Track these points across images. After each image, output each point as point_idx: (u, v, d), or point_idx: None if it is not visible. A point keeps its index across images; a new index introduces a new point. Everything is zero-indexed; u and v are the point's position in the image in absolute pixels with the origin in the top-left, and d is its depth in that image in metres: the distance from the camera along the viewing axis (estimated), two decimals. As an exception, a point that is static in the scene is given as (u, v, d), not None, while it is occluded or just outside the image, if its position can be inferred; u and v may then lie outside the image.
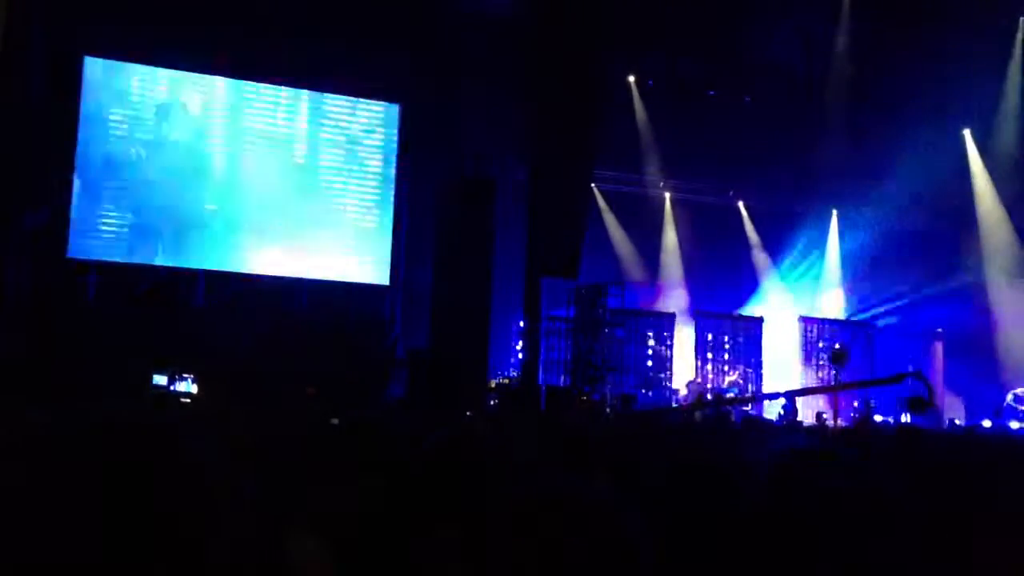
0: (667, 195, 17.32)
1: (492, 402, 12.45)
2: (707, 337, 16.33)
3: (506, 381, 13.56)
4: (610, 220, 16.79)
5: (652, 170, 16.70)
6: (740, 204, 17.73)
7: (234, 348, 10.75)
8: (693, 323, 16.45)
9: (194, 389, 10.54)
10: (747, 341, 16.52)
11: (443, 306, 12.24)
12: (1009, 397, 16.12)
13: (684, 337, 16.39)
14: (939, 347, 17.80)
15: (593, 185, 15.58)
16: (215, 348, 10.78)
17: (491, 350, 12.83)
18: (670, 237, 17.29)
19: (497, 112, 12.74)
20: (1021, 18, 15.09)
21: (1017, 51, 15.42)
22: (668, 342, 16.12)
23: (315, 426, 3.25)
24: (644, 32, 13.97)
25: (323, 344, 11.53)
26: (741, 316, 16.85)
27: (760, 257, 17.69)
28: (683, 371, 16.12)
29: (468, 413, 8.29)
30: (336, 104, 13.53)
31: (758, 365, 16.47)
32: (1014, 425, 15.17)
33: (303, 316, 12.85)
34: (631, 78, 15.96)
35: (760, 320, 16.85)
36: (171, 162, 12.52)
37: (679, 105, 15.66)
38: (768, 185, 16.91)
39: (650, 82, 15.95)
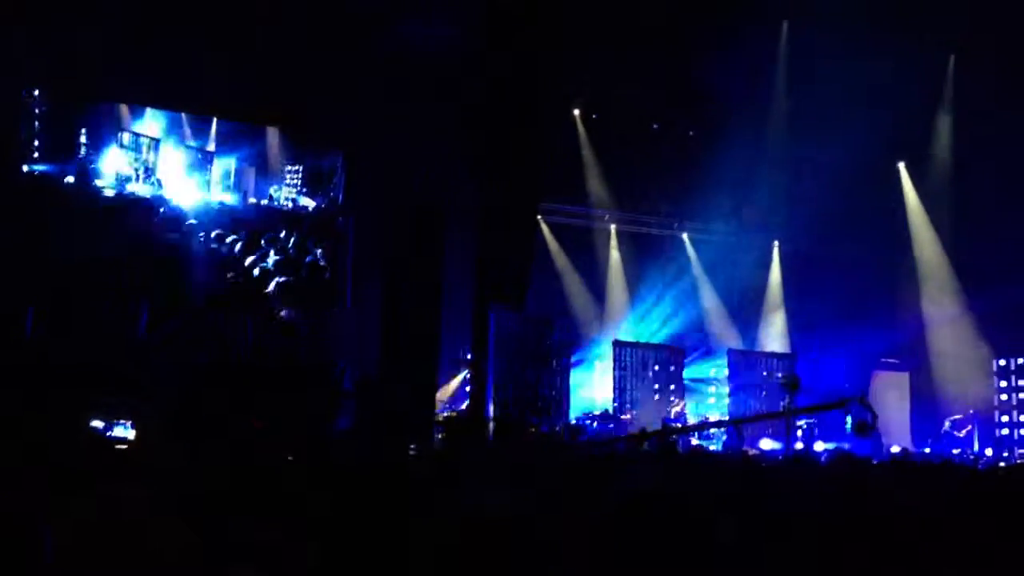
0: (612, 227, 17.47)
1: (439, 435, 12.35)
2: (653, 367, 16.30)
3: (453, 415, 13.48)
4: (556, 251, 16.89)
5: (597, 201, 16.86)
6: (684, 235, 17.96)
7: (177, 382, 10.52)
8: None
9: (131, 434, 10.23)
10: (677, 370, 16.49)
11: (391, 337, 12.16)
12: (947, 424, 16.51)
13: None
14: (880, 375, 18.19)
15: (539, 217, 15.71)
16: (157, 382, 10.54)
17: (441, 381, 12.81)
18: (615, 267, 17.43)
19: (446, 141, 12.77)
20: (951, 56, 15.65)
21: (948, 88, 15.97)
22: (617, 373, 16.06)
23: (263, 459, 3.21)
24: (588, 64, 14.16)
25: (270, 376, 11.38)
26: (667, 347, 16.69)
27: (703, 284, 17.91)
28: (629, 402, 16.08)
29: (412, 447, 8.20)
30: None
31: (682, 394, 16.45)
32: (956, 451, 15.55)
33: (249, 346, 12.66)
34: (576, 111, 16.14)
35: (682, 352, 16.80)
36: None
37: (624, 137, 15.89)
38: (712, 216, 17.18)
39: (594, 115, 16.15)
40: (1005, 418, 17.86)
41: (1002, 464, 14.30)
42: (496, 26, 11.77)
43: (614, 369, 15.75)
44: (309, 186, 13.64)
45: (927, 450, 15.94)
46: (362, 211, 13.46)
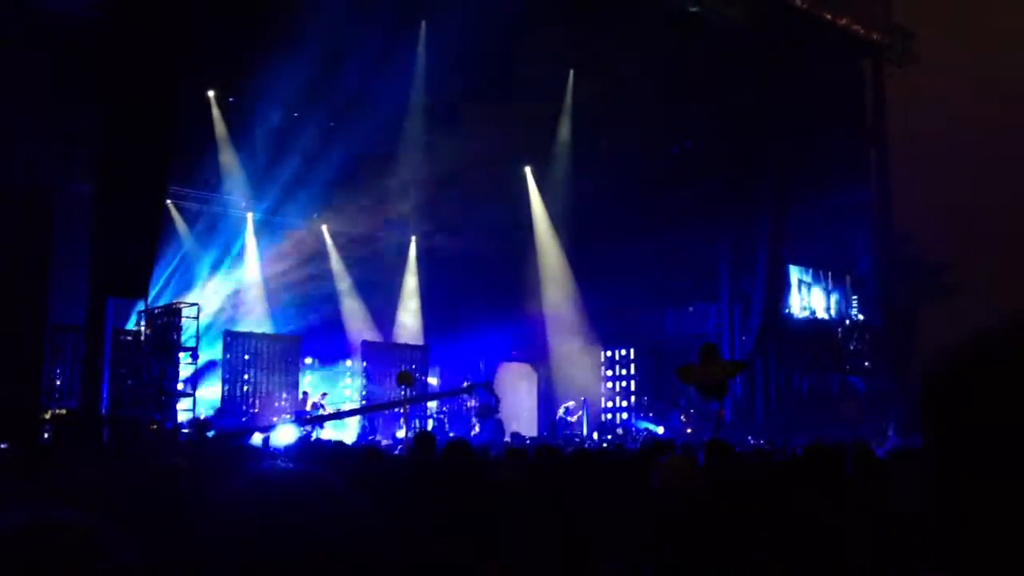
0: (248, 215, 16.98)
1: (46, 434, 11.24)
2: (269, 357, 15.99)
3: (63, 412, 12.32)
4: (187, 237, 16.10)
5: (232, 189, 16.30)
6: (324, 228, 17.93)
7: None
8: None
9: None
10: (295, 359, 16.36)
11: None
12: (560, 411, 18.07)
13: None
14: (507, 366, 19.46)
15: (169, 202, 14.86)
16: None
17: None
18: (251, 257, 16.97)
19: (59, 119, 11.65)
20: (570, 70, 17.09)
21: (567, 100, 17.44)
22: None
23: None
24: (228, 50, 13.63)
25: None
26: (284, 336, 16.56)
27: (341, 279, 18.02)
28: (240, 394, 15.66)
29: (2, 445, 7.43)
30: None
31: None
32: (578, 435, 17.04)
33: None
34: (211, 92, 15.44)
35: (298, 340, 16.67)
36: None
37: (261, 124, 15.50)
38: (351, 210, 17.30)
39: (231, 98, 15.58)
40: (609, 403, 19.95)
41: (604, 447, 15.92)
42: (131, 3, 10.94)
43: (223, 360, 15.31)
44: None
45: (543, 435, 17.29)
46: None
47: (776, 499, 3.39)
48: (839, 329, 20.17)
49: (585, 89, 16.94)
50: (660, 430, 16.98)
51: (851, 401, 18.98)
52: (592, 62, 16.19)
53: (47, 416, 11.70)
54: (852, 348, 20.23)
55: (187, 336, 12.93)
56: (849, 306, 20.51)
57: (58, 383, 13.04)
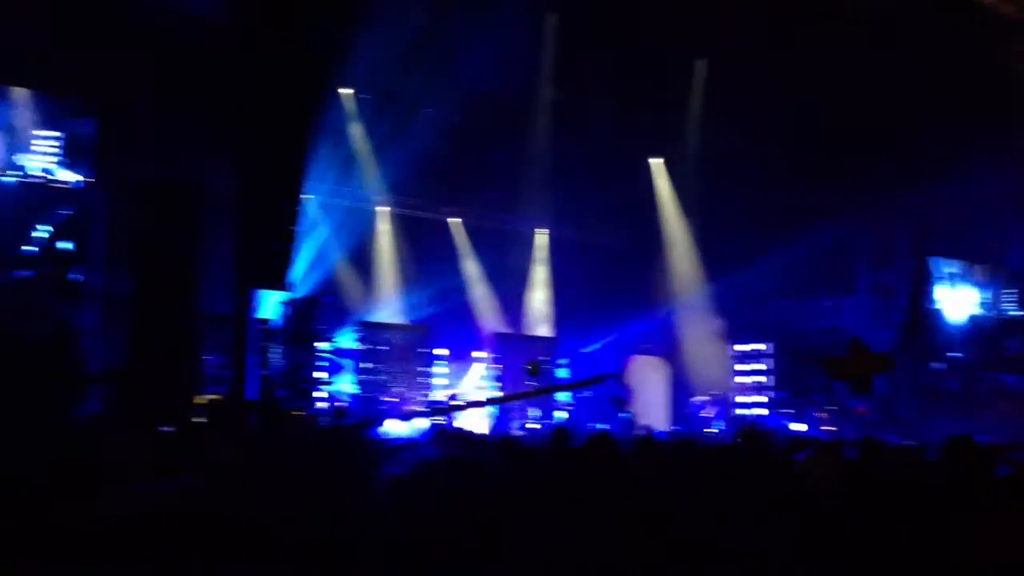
0: (383, 209, 17.44)
1: (200, 419, 11.85)
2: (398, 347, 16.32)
3: (217, 397, 12.96)
4: (326, 232, 16.66)
5: (369, 183, 16.78)
6: (454, 221, 18.21)
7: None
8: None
9: None
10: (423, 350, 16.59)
11: (143, 318, 11.48)
12: (696, 404, 17.86)
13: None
14: (638, 359, 19.30)
15: (308, 196, 15.38)
16: None
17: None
18: (385, 251, 17.42)
19: (203, 117, 12.22)
20: (696, 61, 16.78)
21: (696, 90, 17.13)
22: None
23: None
24: (361, 50, 14.01)
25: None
26: (414, 326, 16.83)
27: (472, 273, 18.24)
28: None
29: (165, 428, 7.86)
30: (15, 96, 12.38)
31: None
32: (712, 431, 16.81)
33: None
34: (349, 90, 15.95)
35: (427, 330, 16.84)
36: None
37: (397, 121, 15.88)
38: (480, 203, 17.53)
39: (364, 95, 16.04)
40: (740, 399, 19.52)
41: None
42: (266, 5, 11.40)
43: (358, 350, 15.71)
44: (72, 156, 12.61)
45: (676, 429, 17.10)
46: (117, 188, 12.63)
47: (925, 502, 3.26)
48: (990, 325, 19.10)
49: (716, 76, 16.61)
50: (803, 427, 16.54)
51: (1004, 401, 17.96)
52: (724, 48, 15.84)
53: (200, 401, 12.33)
54: (1005, 345, 19.12)
55: (324, 326, 13.37)
56: (1001, 301, 19.39)
57: (207, 371, 13.70)
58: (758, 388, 19.26)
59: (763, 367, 19.25)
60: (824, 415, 16.62)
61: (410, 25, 13.67)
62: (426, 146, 15.76)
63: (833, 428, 15.64)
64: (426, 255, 17.39)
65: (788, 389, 18.63)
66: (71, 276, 12.49)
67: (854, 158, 17.07)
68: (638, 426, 15.45)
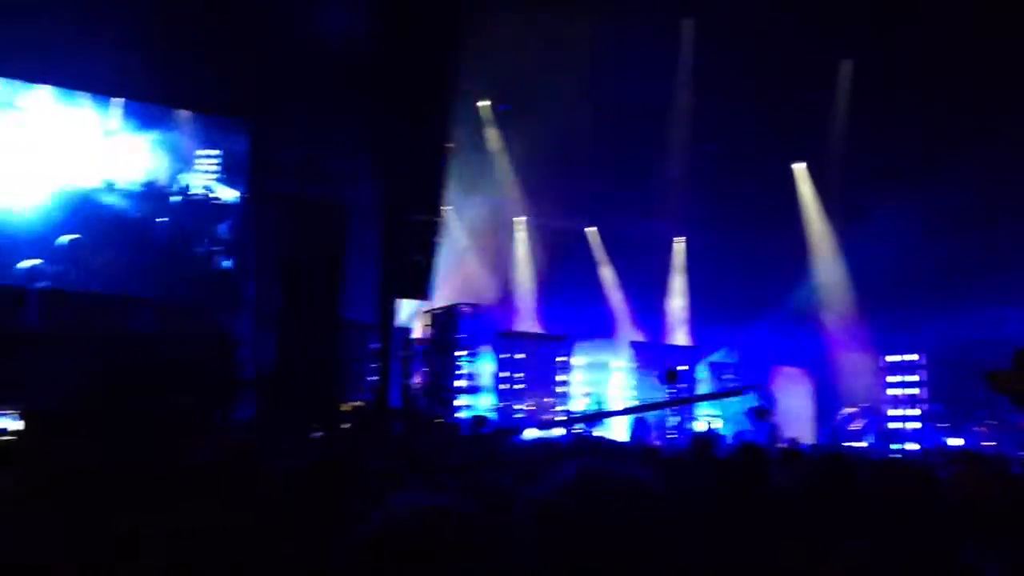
0: (519, 220, 17.60)
1: (344, 425, 12.24)
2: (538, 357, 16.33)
3: (360, 404, 13.38)
4: (465, 242, 16.94)
5: (505, 194, 16.98)
6: (591, 229, 18.20)
7: (68, 373, 10.13)
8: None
9: (18, 425, 9.82)
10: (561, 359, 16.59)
11: (291, 327, 11.98)
12: (841, 417, 17.21)
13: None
14: (781, 370, 18.79)
15: (448, 208, 15.70)
16: (46, 373, 10.13)
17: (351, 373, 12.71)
18: (522, 260, 17.57)
19: (347, 133, 12.62)
20: (841, 62, 16.19)
21: (841, 93, 16.53)
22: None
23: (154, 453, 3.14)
24: (498, 62, 14.21)
25: (165, 366, 11.05)
26: (553, 336, 16.73)
27: (609, 282, 18.18)
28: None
29: (318, 433, 8.16)
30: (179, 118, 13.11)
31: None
32: (862, 444, 16.19)
33: (145, 337, 12.29)
34: (486, 103, 16.21)
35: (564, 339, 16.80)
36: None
37: (534, 132, 15.99)
38: (618, 212, 17.45)
39: (501, 107, 16.25)
40: (892, 412, 18.67)
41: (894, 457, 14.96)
42: (402, 21, 11.70)
43: (497, 359, 15.84)
44: (228, 173, 13.29)
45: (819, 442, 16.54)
46: (266, 202, 13.21)
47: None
48: None
49: (862, 79, 15.99)
50: (961, 441, 15.70)
51: None
52: (870, 49, 15.24)
53: (346, 407, 12.75)
54: None
55: (465, 336, 13.58)
56: None
57: (352, 379, 14.15)
58: (911, 400, 18.39)
59: (916, 378, 18.36)
60: (984, 429, 15.70)
61: (547, 34, 13.74)
62: (564, 155, 15.80)
63: (993, 443, 14.77)
64: (563, 264, 17.44)
65: (943, 401, 17.69)
66: (231, 288, 13.12)
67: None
68: (782, 438, 15.03)
